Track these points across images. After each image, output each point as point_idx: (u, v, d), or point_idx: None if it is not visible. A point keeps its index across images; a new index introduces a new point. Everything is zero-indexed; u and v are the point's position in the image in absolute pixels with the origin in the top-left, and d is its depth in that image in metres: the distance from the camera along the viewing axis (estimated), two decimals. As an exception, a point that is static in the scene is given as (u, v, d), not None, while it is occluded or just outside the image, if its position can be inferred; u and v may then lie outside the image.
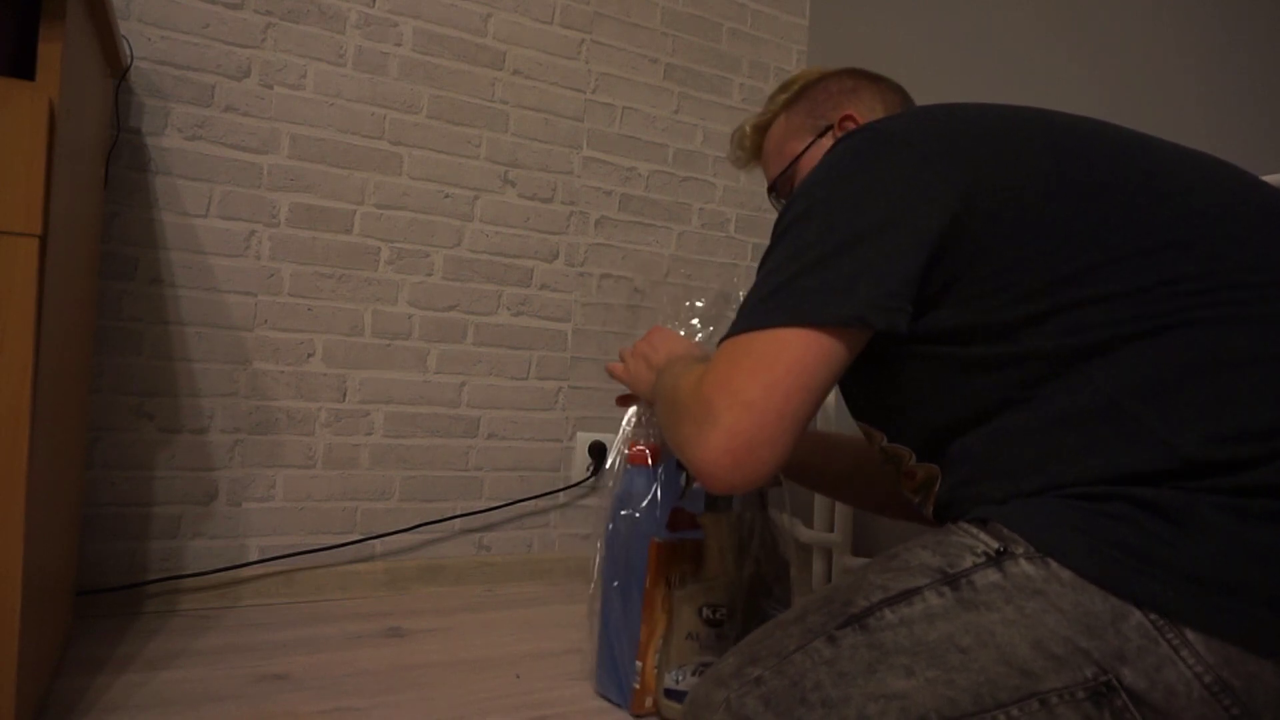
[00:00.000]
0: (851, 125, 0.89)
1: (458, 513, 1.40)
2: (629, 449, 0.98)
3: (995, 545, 0.55)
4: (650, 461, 0.96)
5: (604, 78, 1.52)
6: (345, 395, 1.31)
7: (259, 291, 1.24)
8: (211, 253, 1.21)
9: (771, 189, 0.98)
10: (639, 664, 0.91)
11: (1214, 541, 0.48)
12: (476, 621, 1.23)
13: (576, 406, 1.51)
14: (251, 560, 1.24)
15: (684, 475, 0.94)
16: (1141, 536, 0.50)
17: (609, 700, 0.96)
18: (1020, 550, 0.53)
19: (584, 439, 1.51)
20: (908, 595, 0.56)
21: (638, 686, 0.91)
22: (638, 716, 0.92)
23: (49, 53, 0.71)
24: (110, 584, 1.15)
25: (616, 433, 1.52)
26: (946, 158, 0.62)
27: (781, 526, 0.99)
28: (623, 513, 0.95)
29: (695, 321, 1.01)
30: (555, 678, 1.03)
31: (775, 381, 0.58)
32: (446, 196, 1.38)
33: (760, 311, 0.61)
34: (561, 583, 1.48)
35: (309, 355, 1.28)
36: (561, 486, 1.49)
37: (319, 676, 0.97)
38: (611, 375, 0.97)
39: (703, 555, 0.92)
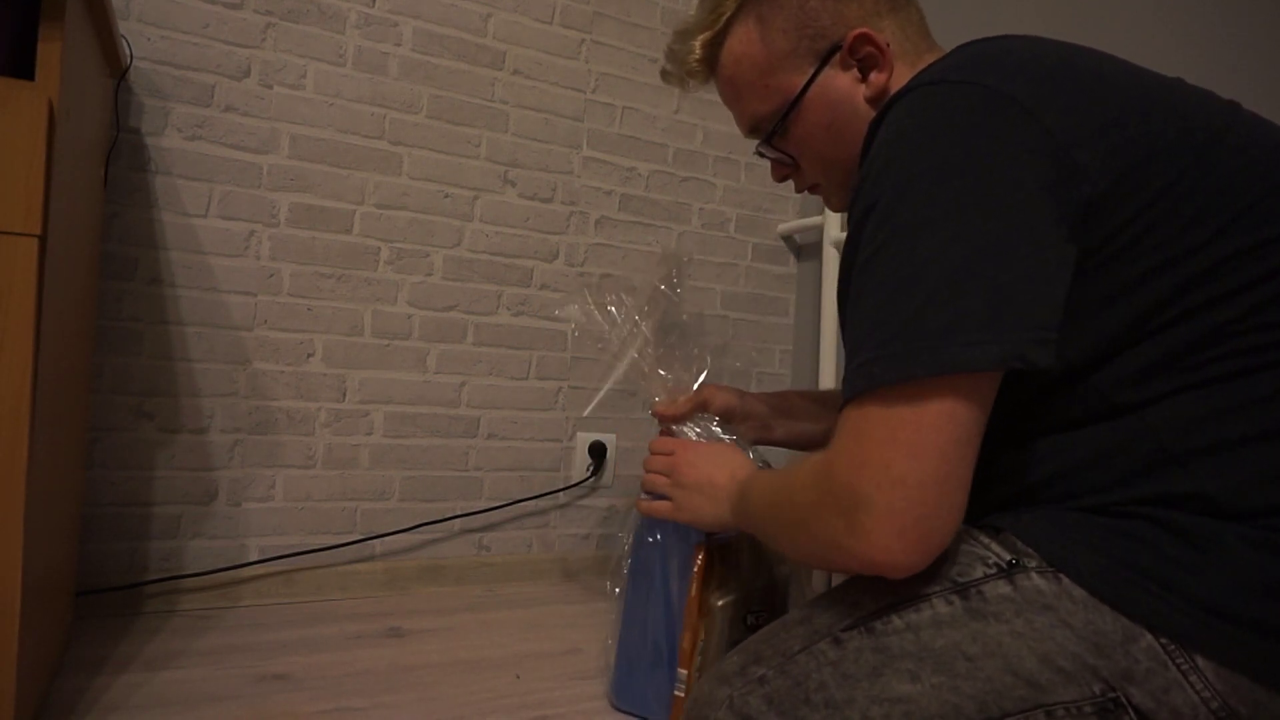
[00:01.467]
0: (872, 50, 0.67)
1: (458, 513, 1.40)
2: None
3: (1007, 557, 0.54)
4: None
5: (604, 78, 1.52)
6: (345, 395, 1.31)
7: (259, 291, 1.24)
8: (211, 253, 1.21)
9: (755, 131, 0.75)
10: (683, 672, 0.86)
11: (1236, 572, 0.47)
12: (476, 621, 1.23)
13: (576, 406, 1.51)
14: (251, 560, 1.24)
15: None
16: (1160, 560, 0.49)
17: (633, 715, 0.92)
18: (1033, 564, 0.53)
19: (584, 439, 1.51)
20: (915, 601, 0.55)
21: (680, 694, 0.86)
22: None
23: (49, 53, 0.71)
24: (110, 584, 1.15)
25: (615, 433, 1.53)
26: (1088, 137, 0.51)
27: None
28: (654, 524, 0.90)
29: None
30: (555, 678, 1.03)
31: (923, 446, 0.48)
32: (446, 196, 1.38)
33: (885, 362, 0.50)
34: (561, 583, 1.48)
35: (309, 355, 1.28)
36: (561, 486, 1.49)
37: (319, 676, 0.97)
38: (654, 516, 0.86)
39: (737, 561, 0.89)
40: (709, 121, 1.64)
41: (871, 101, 0.68)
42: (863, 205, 0.55)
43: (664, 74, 0.83)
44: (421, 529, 1.37)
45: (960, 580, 0.54)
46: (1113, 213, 0.51)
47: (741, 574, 0.90)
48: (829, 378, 1.54)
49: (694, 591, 0.87)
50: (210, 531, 1.22)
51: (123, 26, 1.13)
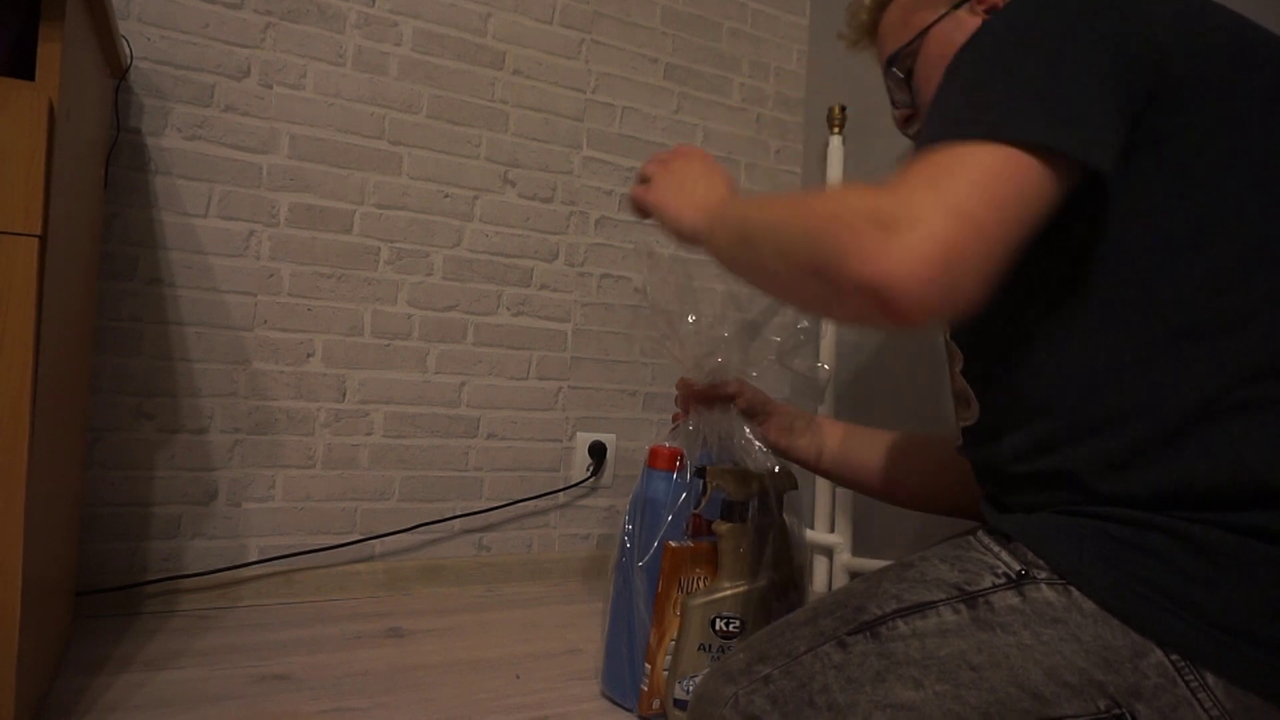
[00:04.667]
0: (997, 4, 0.71)
1: (458, 513, 1.40)
2: (652, 451, 0.96)
3: (1017, 567, 0.54)
4: (673, 466, 0.94)
5: (604, 77, 1.52)
6: (345, 395, 1.31)
7: (259, 291, 1.24)
8: (211, 253, 1.21)
9: (891, 62, 0.79)
10: (648, 666, 0.91)
11: (1253, 590, 0.47)
12: (476, 621, 1.23)
13: (576, 406, 1.51)
14: (251, 560, 1.24)
15: (701, 483, 0.91)
16: (1173, 575, 0.48)
17: (612, 700, 0.96)
18: (1043, 575, 0.52)
19: (584, 439, 1.51)
20: (922, 608, 0.55)
21: (645, 688, 0.91)
22: (643, 718, 0.92)
23: (49, 53, 0.71)
24: (110, 584, 1.15)
25: (615, 433, 1.53)
26: (1174, 31, 0.53)
27: (795, 531, 0.98)
28: (640, 515, 0.94)
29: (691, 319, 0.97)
30: (555, 678, 1.03)
31: (1001, 200, 0.47)
32: (446, 196, 1.38)
33: (978, 124, 0.50)
34: (561, 583, 1.48)
35: (309, 355, 1.28)
36: (561, 486, 1.49)
37: (319, 677, 0.97)
38: (635, 203, 0.77)
39: (718, 564, 0.91)
40: (709, 121, 1.64)
41: None
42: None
43: (840, 34, 0.88)
44: (421, 529, 1.37)
45: (968, 589, 0.54)
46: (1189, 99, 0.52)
47: (719, 579, 0.90)
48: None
49: (660, 589, 0.90)
50: (210, 531, 1.22)
51: (123, 26, 1.13)
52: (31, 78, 0.70)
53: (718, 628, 0.88)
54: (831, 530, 1.47)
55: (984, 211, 0.46)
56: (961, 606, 0.54)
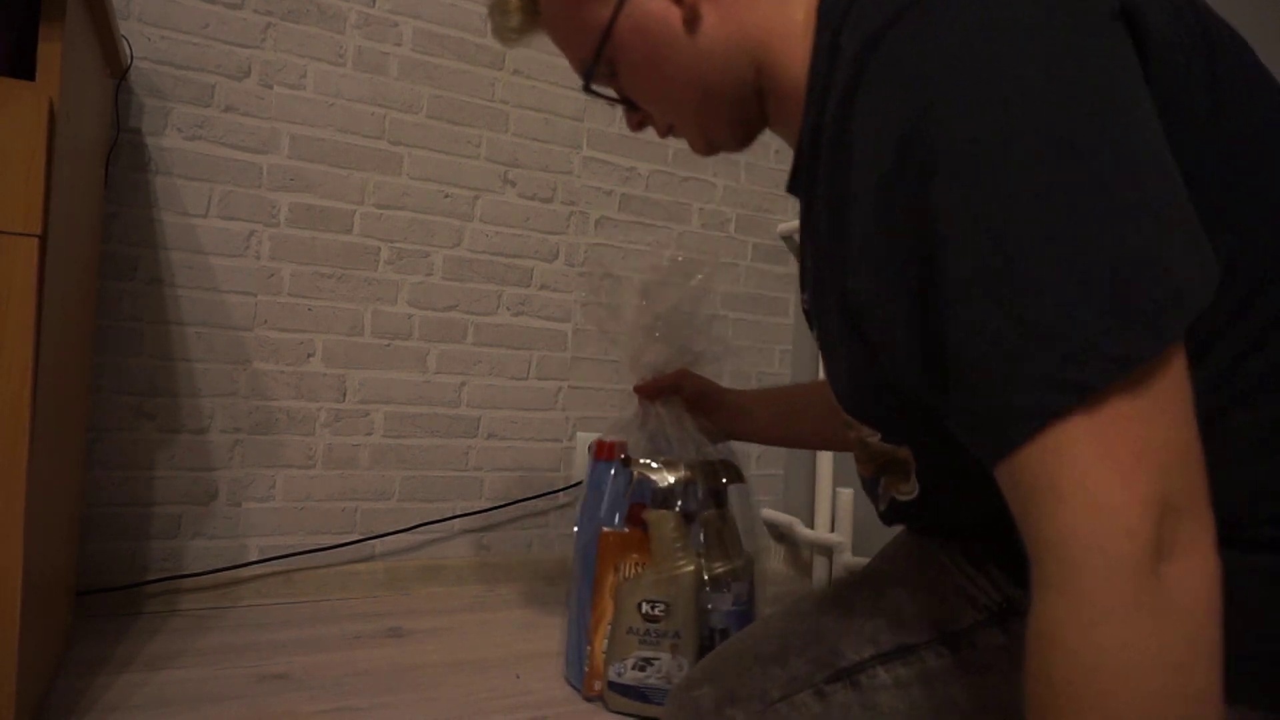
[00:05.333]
0: None
1: (458, 513, 1.40)
2: (596, 443, 1.01)
3: (997, 598, 0.50)
4: (613, 456, 0.99)
5: (604, 78, 1.52)
6: (345, 395, 1.31)
7: (259, 291, 1.24)
8: (211, 253, 1.21)
9: (588, 80, 0.63)
10: (588, 647, 0.94)
11: (1250, 610, 0.40)
12: (476, 621, 1.23)
13: (576, 406, 1.51)
14: (251, 560, 1.24)
15: (629, 472, 0.97)
16: None
17: (572, 686, 0.99)
18: (1024, 606, 0.48)
19: (584, 439, 1.50)
20: (903, 653, 0.52)
21: (588, 670, 0.94)
22: (588, 699, 0.95)
23: (49, 53, 0.71)
24: (110, 584, 1.15)
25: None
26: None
27: (742, 523, 0.99)
28: (590, 505, 0.98)
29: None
30: (555, 678, 1.03)
31: (1177, 441, 0.34)
32: (446, 196, 1.38)
33: (1108, 343, 0.34)
34: (561, 583, 1.48)
35: (309, 355, 1.28)
36: (561, 486, 1.49)
37: (319, 676, 0.97)
38: None
39: (651, 549, 0.94)
40: (709, 121, 1.64)
41: (691, 24, 0.56)
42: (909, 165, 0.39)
43: (492, 31, 0.69)
44: (421, 529, 1.37)
45: (950, 629, 0.51)
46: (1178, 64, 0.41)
47: (650, 565, 0.93)
48: (829, 378, 1.53)
49: (597, 574, 0.94)
50: (210, 531, 1.22)
51: (123, 26, 1.13)
52: (31, 78, 0.70)
53: (644, 611, 0.91)
54: (832, 530, 1.47)
55: (1156, 486, 0.33)
56: (944, 650, 0.51)
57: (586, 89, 0.64)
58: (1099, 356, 0.33)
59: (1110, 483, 0.32)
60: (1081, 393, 0.33)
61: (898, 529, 0.65)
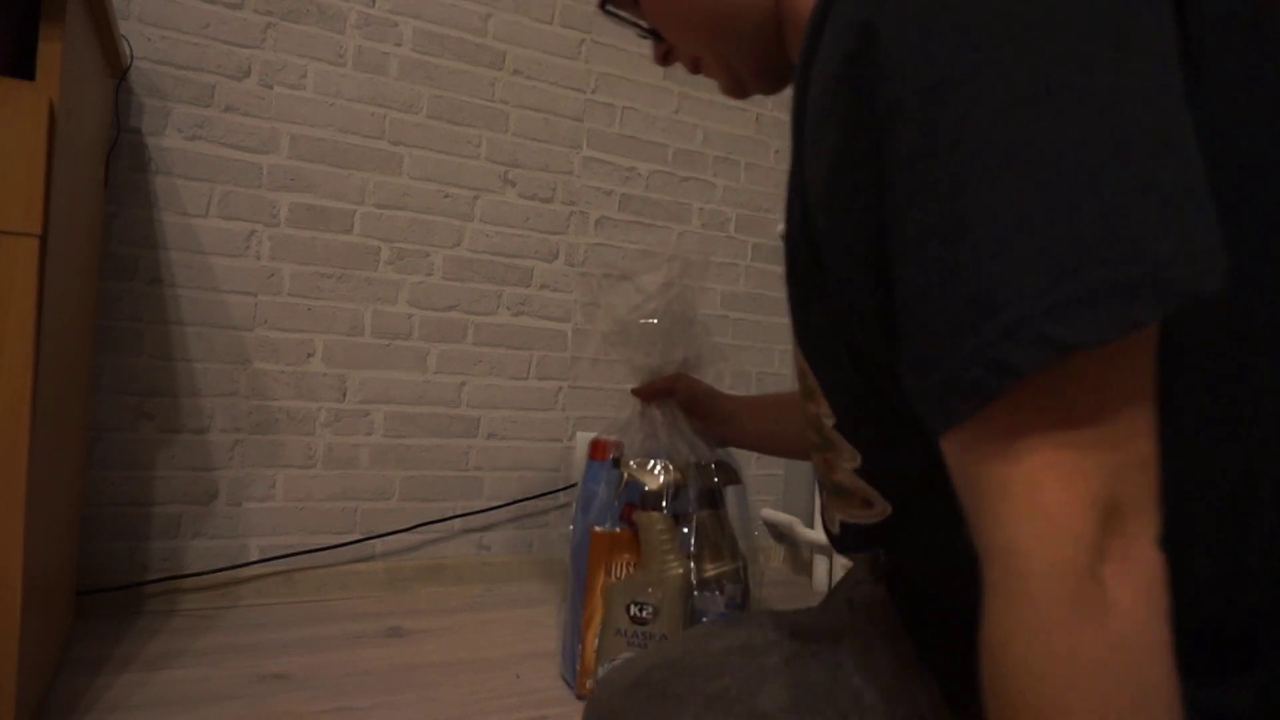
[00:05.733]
0: None
1: (458, 513, 1.40)
2: (593, 443, 1.02)
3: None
4: (606, 456, 0.99)
5: (604, 77, 1.52)
6: (345, 395, 1.31)
7: (259, 291, 1.24)
8: (211, 253, 1.21)
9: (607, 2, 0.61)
10: (580, 646, 0.95)
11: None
12: (476, 621, 1.23)
13: (576, 406, 1.51)
14: (251, 560, 1.24)
15: (620, 473, 0.97)
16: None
17: (567, 683, 0.99)
18: None
19: (584, 439, 1.50)
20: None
21: (579, 668, 0.95)
22: (580, 698, 0.95)
23: (49, 53, 0.71)
24: (110, 584, 1.15)
25: (615, 433, 1.53)
26: None
27: (738, 526, 0.99)
28: (583, 504, 0.99)
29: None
30: (555, 678, 1.03)
31: (1132, 429, 0.31)
32: (446, 196, 1.38)
33: (1076, 311, 0.29)
34: (561, 583, 1.48)
35: (309, 355, 1.28)
36: (561, 486, 1.49)
37: (319, 676, 0.97)
38: None
39: (641, 550, 0.94)
40: (709, 121, 1.64)
41: None
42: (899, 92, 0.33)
43: None
44: (421, 529, 1.37)
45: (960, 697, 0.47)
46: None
47: (645, 565, 0.93)
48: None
49: (588, 573, 0.95)
50: (210, 531, 1.22)
51: (123, 26, 1.13)
52: (31, 78, 0.70)
53: (632, 613, 0.91)
54: (831, 530, 1.47)
55: (1107, 488, 0.30)
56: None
57: (602, 7, 0.60)
58: (1035, 337, 0.29)
59: (1052, 482, 0.30)
60: (1016, 375, 0.30)
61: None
